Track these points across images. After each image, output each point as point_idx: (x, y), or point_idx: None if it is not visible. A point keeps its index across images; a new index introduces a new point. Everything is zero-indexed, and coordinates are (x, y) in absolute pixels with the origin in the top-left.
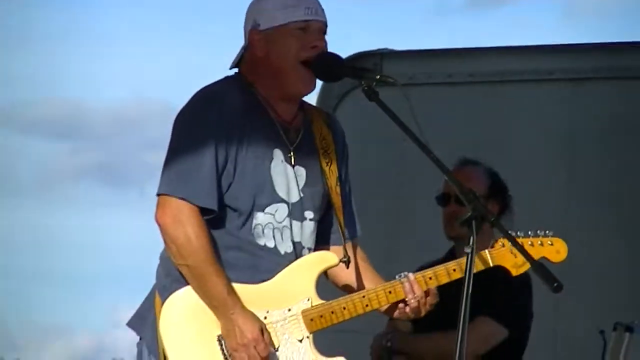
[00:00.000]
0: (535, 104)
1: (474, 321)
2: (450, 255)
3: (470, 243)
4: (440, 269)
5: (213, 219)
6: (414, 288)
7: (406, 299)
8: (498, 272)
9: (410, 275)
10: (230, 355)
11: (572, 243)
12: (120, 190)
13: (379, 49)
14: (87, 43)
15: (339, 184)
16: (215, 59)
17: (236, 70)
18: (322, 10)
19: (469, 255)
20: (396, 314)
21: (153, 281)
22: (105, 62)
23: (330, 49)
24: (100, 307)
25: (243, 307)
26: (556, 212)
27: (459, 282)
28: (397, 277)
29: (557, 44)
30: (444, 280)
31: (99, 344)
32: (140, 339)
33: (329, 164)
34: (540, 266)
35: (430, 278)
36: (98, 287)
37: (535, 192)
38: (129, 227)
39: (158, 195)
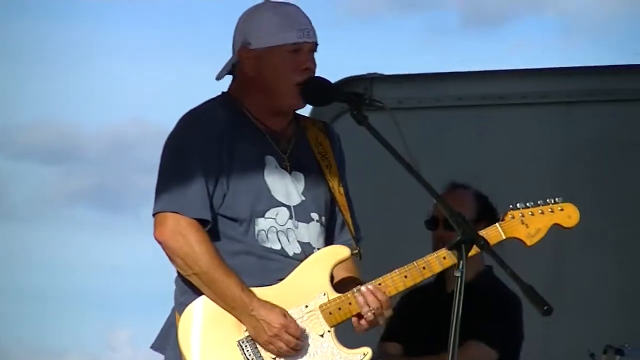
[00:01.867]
0: (525, 127)
1: (465, 345)
2: (440, 279)
3: (460, 267)
4: (431, 257)
5: (215, 230)
6: (368, 300)
7: (362, 312)
8: (488, 293)
9: (362, 287)
10: (257, 356)
11: (564, 265)
12: (115, 213)
13: (368, 73)
14: (80, 65)
15: (341, 184)
16: (213, 82)
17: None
18: (314, 29)
19: (458, 279)
20: (355, 327)
21: (149, 303)
22: (99, 85)
23: (321, 72)
24: (95, 330)
25: (260, 300)
26: (548, 235)
27: (449, 303)
28: (350, 291)
29: (548, 67)
30: (437, 269)
31: None
32: (165, 358)
33: (329, 167)
34: (530, 289)
35: (424, 268)
36: (92, 310)
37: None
38: (124, 250)
39: (154, 215)
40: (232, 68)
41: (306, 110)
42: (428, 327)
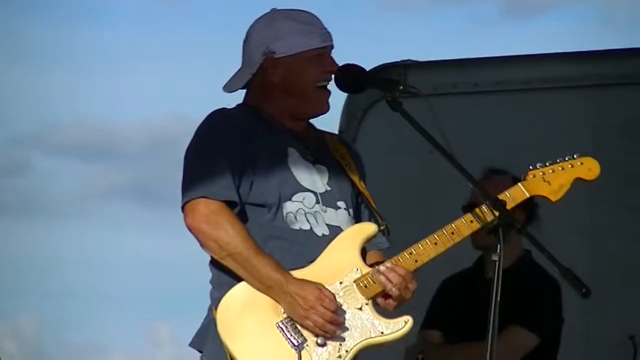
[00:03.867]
0: (561, 111)
1: (505, 330)
2: (479, 265)
3: (498, 251)
4: (458, 222)
5: (244, 216)
6: (390, 277)
7: (386, 290)
8: (527, 278)
9: (381, 267)
10: (295, 338)
11: (601, 248)
12: (155, 209)
13: (402, 60)
14: (118, 64)
15: (361, 181)
16: None
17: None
18: (330, 33)
19: (497, 263)
20: (383, 306)
21: (189, 299)
22: (136, 80)
23: (359, 63)
24: (136, 326)
25: (295, 278)
26: (584, 218)
27: (488, 289)
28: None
29: (584, 51)
30: (466, 232)
31: None
32: (202, 354)
33: (349, 166)
34: (568, 272)
35: (453, 233)
36: (133, 306)
37: (563, 200)
38: (164, 246)
39: (183, 205)
40: (251, 78)
41: (341, 98)
42: (468, 314)
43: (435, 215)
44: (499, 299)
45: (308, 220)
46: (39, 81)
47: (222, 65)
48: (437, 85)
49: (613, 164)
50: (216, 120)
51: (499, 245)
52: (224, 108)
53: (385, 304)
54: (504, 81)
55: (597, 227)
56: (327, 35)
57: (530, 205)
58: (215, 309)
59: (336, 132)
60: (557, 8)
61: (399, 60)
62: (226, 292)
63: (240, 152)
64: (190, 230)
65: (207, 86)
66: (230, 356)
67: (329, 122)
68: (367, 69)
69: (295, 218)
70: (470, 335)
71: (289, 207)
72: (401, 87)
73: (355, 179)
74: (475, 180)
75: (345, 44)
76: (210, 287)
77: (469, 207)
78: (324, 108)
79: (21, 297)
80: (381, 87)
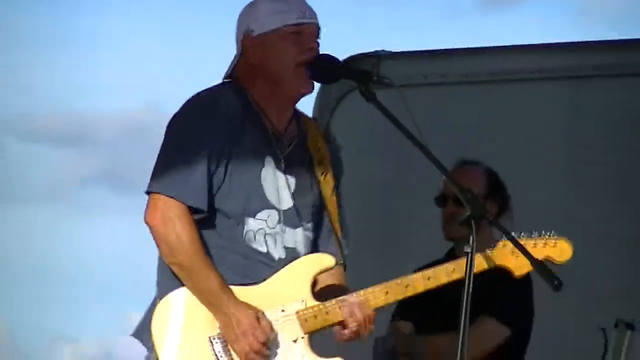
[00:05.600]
0: (534, 103)
1: (476, 321)
2: (450, 256)
3: (470, 242)
4: (439, 269)
5: (204, 220)
6: (354, 312)
7: (346, 323)
8: (498, 271)
9: (349, 298)
10: (222, 355)
11: (572, 240)
12: (128, 196)
13: (375, 51)
14: (96, 53)
15: (334, 193)
16: (227, 65)
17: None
18: (315, 13)
19: (469, 255)
20: (337, 336)
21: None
22: (110, 68)
23: (333, 51)
24: (109, 315)
25: (237, 300)
26: (556, 210)
27: (460, 282)
28: (337, 299)
29: (554, 42)
30: (444, 280)
31: (107, 352)
32: (148, 349)
33: (324, 173)
34: (540, 264)
35: (429, 278)
36: (107, 295)
37: (535, 191)
38: (137, 233)
39: (148, 193)
40: (237, 61)
41: (314, 89)
42: (439, 304)
43: (406, 206)
44: (470, 290)
45: (266, 243)
46: (12, 68)
47: (198, 54)
48: (409, 76)
49: (585, 157)
50: (208, 107)
51: (471, 237)
52: (215, 89)
53: (340, 334)
54: (473, 72)
55: (570, 219)
56: (307, 13)
57: (503, 197)
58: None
59: None
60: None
61: (374, 50)
62: (172, 287)
63: (221, 152)
64: (146, 224)
65: (182, 74)
66: (156, 357)
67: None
68: (341, 59)
69: (255, 238)
70: (441, 327)
71: (251, 224)
72: (375, 78)
73: (327, 191)
74: (447, 171)
75: (321, 33)
76: (156, 274)
77: (441, 198)
78: (306, 86)
79: None
80: (354, 77)
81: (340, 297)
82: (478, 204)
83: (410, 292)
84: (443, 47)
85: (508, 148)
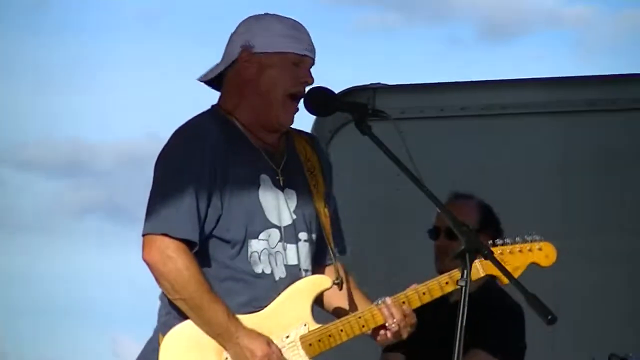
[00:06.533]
0: (529, 137)
1: (468, 354)
2: None
3: (464, 276)
4: (432, 282)
5: (204, 253)
6: (393, 312)
7: (386, 324)
8: (491, 303)
9: (387, 299)
10: None
11: (566, 273)
12: (125, 227)
13: (371, 84)
14: (96, 81)
15: (326, 206)
16: None
17: (209, 87)
18: (315, 49)
19: (463, 289)
20: (378, 339)
21: (155, 314)
22: (108, 98)
23: (330, 84)
24: (104, 344)
25: (245, 328)
26: (554, 242)
27: (452, 313)
28: (374, 303)
29: (550, 77)
30: (437, 294)
31: None
32: None
33: (316, 185)
34: (534, 299)
35: (424, 293)
36: (101, 323)
37: (529, 224)
38: (129, 261)
39: (143, 236)
40: (224, 70)
41: (309, 121)
42: (431, 337)
43: (400, 239)
44: (464, 323)
45: (270, 263)
46: (8, 97)
47: (198, 85)
48: (404, 109)
49: (579, 190)
50: (188, 141)
51: (465, 271)
52: (194, 121)
53: (380, 335)
54: (469, 106)
55: (564, 251)
56: (311, 48)
57: (496, 230)
58: (162, 336)
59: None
60: (534, 33)
61: (370, 82)
62: (173, 318)
63: (209, 182)
64: (145, 263)
65: (180, 104)
66: None
67: None
68: (337, 91)
69: (259, 259)
70: (434, 359)
71: (255, 246)
72: (370, 111)
73: (320, 205)
74: (441, 204)
75: (320, 64)
76: (158, 302)
77: (434, 231)
78: (287, 119)
79: None
80: (350, 110)
81: (341, 318)
82: (473, 237)
83: (426, 299)
84: (441, 81)
85: (503, 181)
